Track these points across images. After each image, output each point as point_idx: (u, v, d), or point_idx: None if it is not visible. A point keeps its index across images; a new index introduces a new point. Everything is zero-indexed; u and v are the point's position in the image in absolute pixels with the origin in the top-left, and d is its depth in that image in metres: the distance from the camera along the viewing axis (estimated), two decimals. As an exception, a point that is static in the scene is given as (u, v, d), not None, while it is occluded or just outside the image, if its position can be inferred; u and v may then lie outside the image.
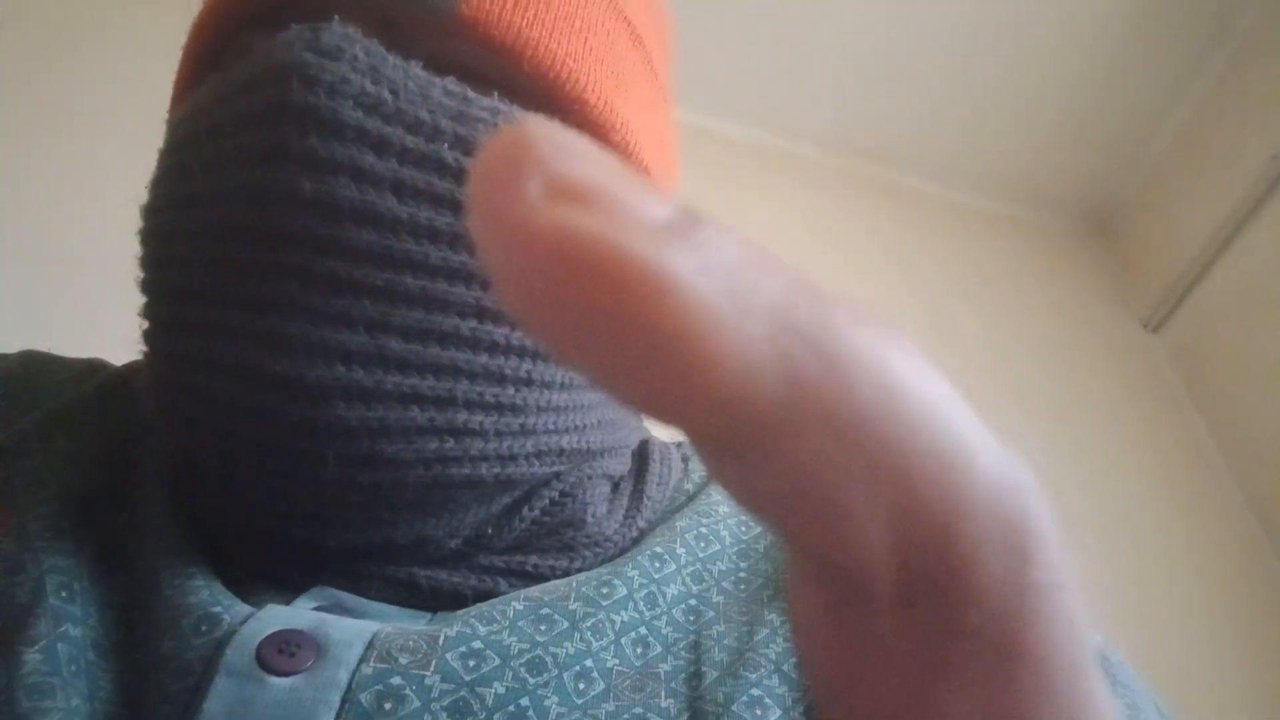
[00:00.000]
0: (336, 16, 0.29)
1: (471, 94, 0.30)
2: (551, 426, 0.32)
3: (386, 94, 0.29)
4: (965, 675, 0.09)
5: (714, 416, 0.09)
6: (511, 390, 0.31)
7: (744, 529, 0.36)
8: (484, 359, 0.30)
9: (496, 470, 0.31)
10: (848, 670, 0.10)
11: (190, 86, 0.37)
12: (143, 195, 0.34)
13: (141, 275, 0.33)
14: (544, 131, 0.09)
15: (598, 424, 0.35)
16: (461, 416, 0.30)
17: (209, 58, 0.36)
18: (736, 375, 0.09)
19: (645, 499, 0.37)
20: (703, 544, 0.35)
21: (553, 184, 0.09)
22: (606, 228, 0.08)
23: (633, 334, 0.09)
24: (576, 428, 0.34)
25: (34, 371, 0.39)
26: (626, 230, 0.08)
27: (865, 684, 0.10)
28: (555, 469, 0.34)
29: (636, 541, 0.36)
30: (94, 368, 0.41)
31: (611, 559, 0.35)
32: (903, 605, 0.09)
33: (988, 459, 0.09)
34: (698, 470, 0.41)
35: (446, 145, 0.29)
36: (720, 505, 0.37)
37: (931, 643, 0.09)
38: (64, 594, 0.28)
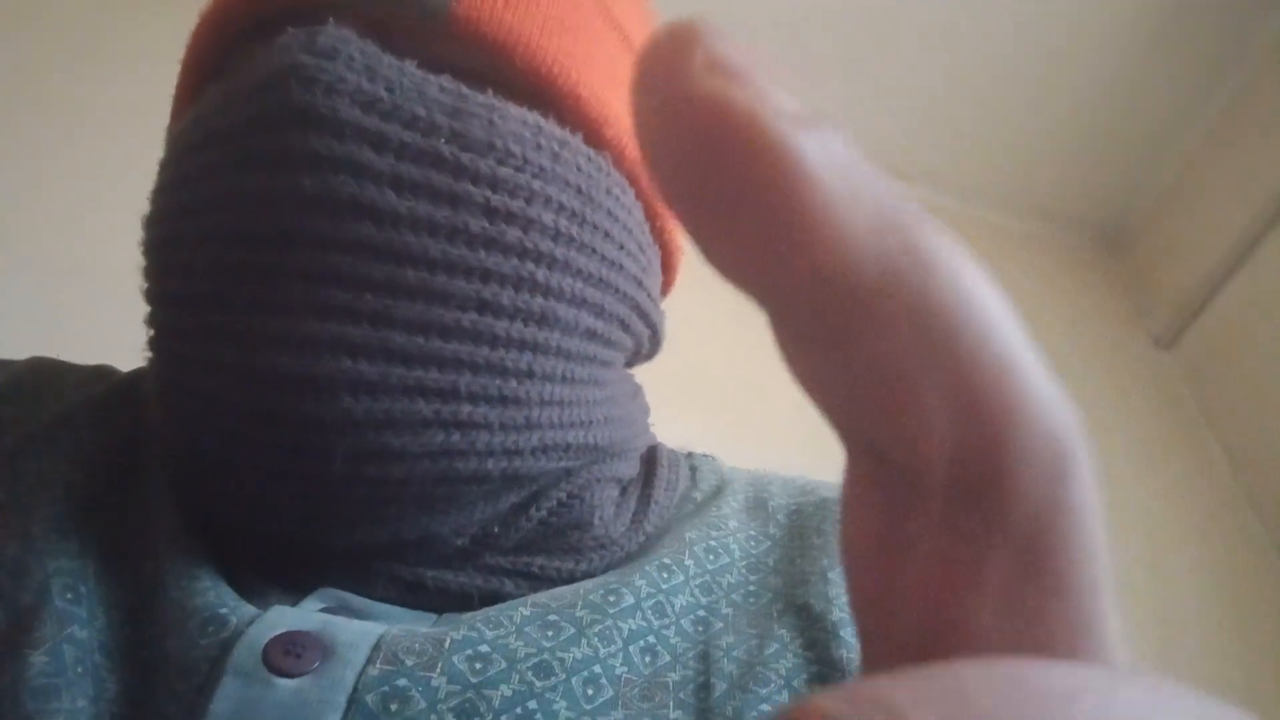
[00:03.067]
0: (331, 20, 0.30)
1: (466, 90, 0.31)
2: (556, 421, 0.33)
3: (383, 91, 0.29)
4: (994, 578, 0.10)
5: (813, 289, 0.10)
6: (514, 383, 0.31)
7: (753, 544, 0.36)
8: (485, 351, 0.30)
9: (503, 465, 0.31)
10: (887, 572, 0.10)
11: (189, 98, 0.38)
12: (146, 202, 0.34)
13: (145, 284, 0.33)
14: (708, 24, 0.10)
15: (604, 421, 0.35)
16: (466, 409, 0.30)
17: (207, 69, 0.37)
18: (841, 253, 0.09)
19: (652, 504, 0.37)
20: (711, 556, 0.35)
21: (712, 60, 0.10)
22: (754, 102, 0.10)
23: (760, 198, 0.10)
24: (582, 423, 0.34)
25: (42, 378, 0.39)
26: (770, 108, 0.10)
27: (902, 586, 0.10)
28: (562, 464, 0.34)
29: (643, 546, 0.36)
30: (101, 374, 0.41)
31: (618, 563, 0.35)
32: (947, 502, 0.10)
33: (1042, 380, 0.10)
34: (705, 480, 0.41)
35: (443, 140, 0.29)
36: (730, 519, 0.37)
37: (967, 542, 0.10)
38: (69, 596, 0.28)
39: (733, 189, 0.10)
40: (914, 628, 0.10)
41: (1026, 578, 0.10)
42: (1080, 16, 1.37)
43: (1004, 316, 0.10)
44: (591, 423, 0.34)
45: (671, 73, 0.10)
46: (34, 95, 1.09)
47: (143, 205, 0.34)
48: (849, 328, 0.10)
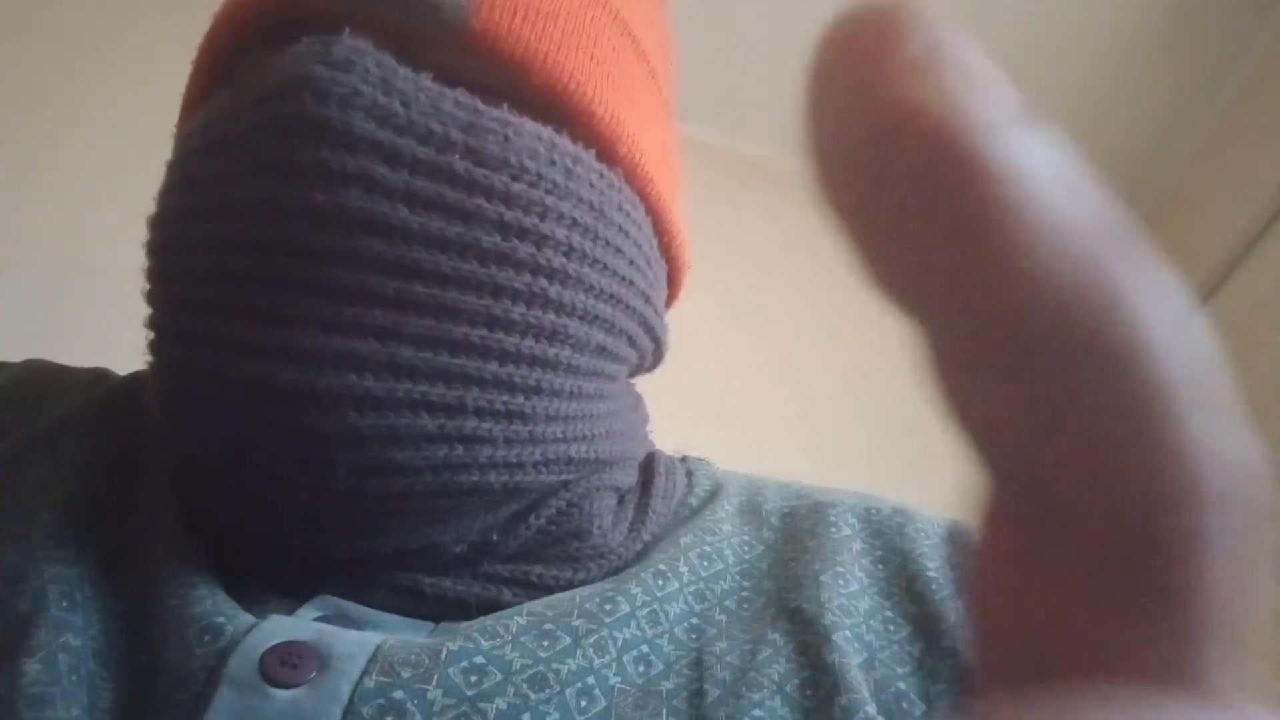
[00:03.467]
0: (347, 30, 0.30)
1: (482, 105, 0.30)
2: (560, 435, 0.32)
3: (398, 105, 0.29)
4: (1121, 622, 0.09)
5: (993, 316, 0.09)
6: (521, 398, 0.31)
7: (747, 549, 0.36)
8: (494, 367, 0.30)
9: (505, 478, 0.31)
10: (1014, 601, 0.10)
11: (200, 100, 0.37)
12: (152, 205, 0.34)
13: (148, 286, 0.33)
14: (911, 6, 0.09)
15: (606, 434, 0.35)
16: (471, 424, 0.30)
17: (219, 72, 0.36)
18: (1032, 282, 0.09)
19: (650, 512, 0.37)
20: (705, 562, 0.35)
21: (920, 61, 0.09)
22: (962, 104, 0.09)
23: (958, 220, 0.09)
24: (585, 437, 0.34)
25: (39, 381, 0.39)
26: (986, 118, 0.09)
27: (1028, 613, 0.10)
28: (563, 478, 0.34)
29: (641, 555, 0.36)
30: (100, 377, 0.41)
31: (615, 571, 0.35)
32: (1107, 558, 0.09)
33: (1232, 449, 0.09)
34: (701, 485, 0.41)
35: (458, 156, 0.29)
36: (724, 524, 0.37)
37: (1100, 580, 0.09)
38: (65, 603, 0.28)
39: (924, 203, 0.09)
40: (1030, 657, 0.10)
41: (1156, 616, 0.09)
42: (1079, 20, 1.37)
43: (1199, 364, 0.09)
44: (594, 436, 0.34)
45: (869, 71, 0.09)
46: (34, 97, 1.09)
47: (144, 207, 0.34)
48: (1028, 364, 0.09)
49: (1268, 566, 0.09)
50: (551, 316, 0.31)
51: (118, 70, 1.13)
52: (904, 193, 0.09)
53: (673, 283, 0.41)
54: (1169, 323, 0.09)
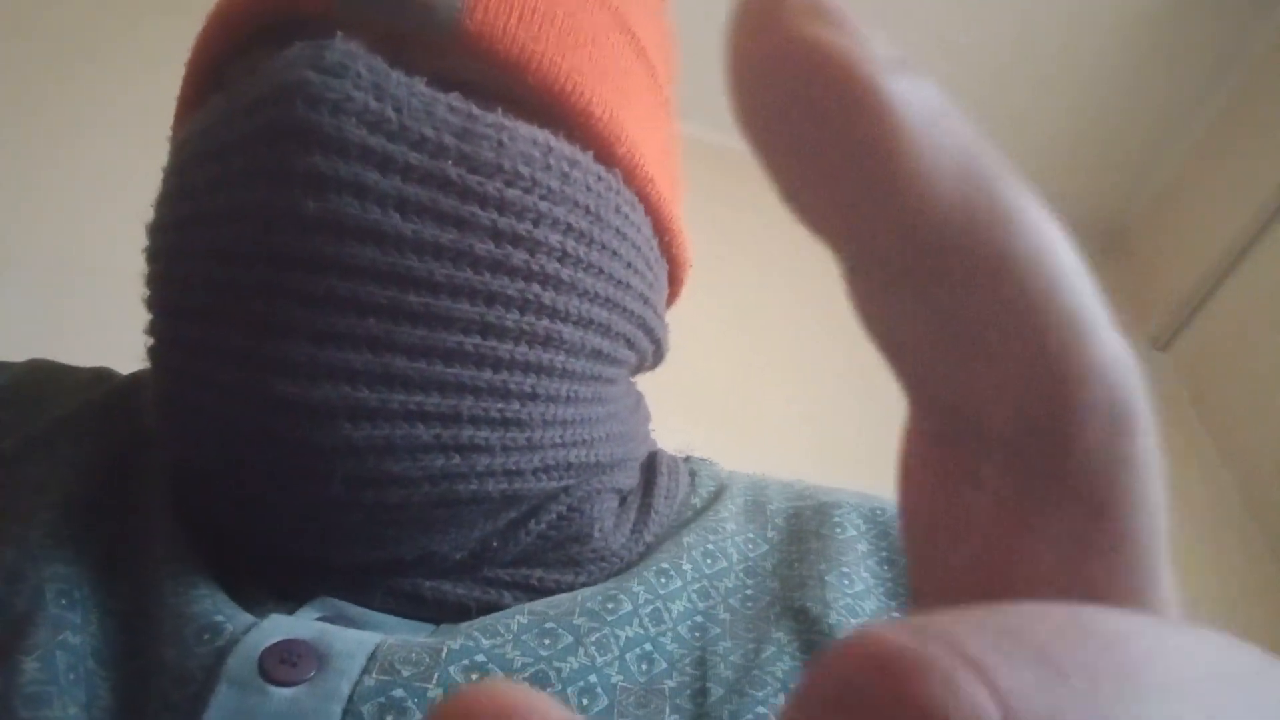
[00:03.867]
0: (340, 33, 0.29)
1: (475, 110, 0.30)
2: (558, 440, 0.32)
3: (390, 111, 0.28)
4: (1055, 526, 0.10)
5: (898, 238, 0.10)
6: (517, 405, 0.30)
7: (750, 546, 0.36)
8: (489, 375, 0.30)
9: (503, 486, 0.31)
10: (946, 525, 0.11)
11: (194, 103, 0.37)
12: (151, 208, 0.34)
13: (147, 292, 0.33)
14: None
15: (605, 438, 0.35)
16: (467, 433, 0.30)
17: (213, 75, 0.36)
18: (927, 201, 0.10)
19: (653, 513, 0.37)
20: (709, 561, 0.35)
21: (811, 5, 0.10)
22: (852, 47, 0.10)
23: (852, 144, 0.10)
24: (584, 441, 0.34)
25: (41, 380, 0.39)
26: (867, 53, 0.10)
27: (962, 537, 0.10)
28: (563, 484, 0.33)
29: (643, 556, 0.35)
30: (100, 377, 0.41)
31: (618, 573, 0.34)
32: (1013, 453, 0.10)
33: (1107, 334, 0.10)
34: (705, 485, 0.41)
35: (450, 162, 0.29)
36: (728, 523, 0.37)
37: (1031, 491, 0.10)
38: (63, 601, 0.28)
39: (826, 135, 0.10)
40: (969, 567, 0.10)
41: (1087, 528, 0.10)
42: (1076, 21, 1.37)
43: (1075, 270, 0.10)
44: (594, 440, 0.34)
45: (770, 18, 0.10)
46: (34, 98, 1.09)
47: (144, 209, 0.34)
48: (929, 278, 0.10)
49: (1163, 477, 0.10)
50: (546, 322, 0.31)
51: (118, 70, 1.13)
52: (806, 123, 0.10)
53: (674, 281, 0.41)
54: (1046, 227, 0.10)
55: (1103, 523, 0.10)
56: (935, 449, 0.11)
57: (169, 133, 0.38)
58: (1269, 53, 1.39)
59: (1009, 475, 0.10)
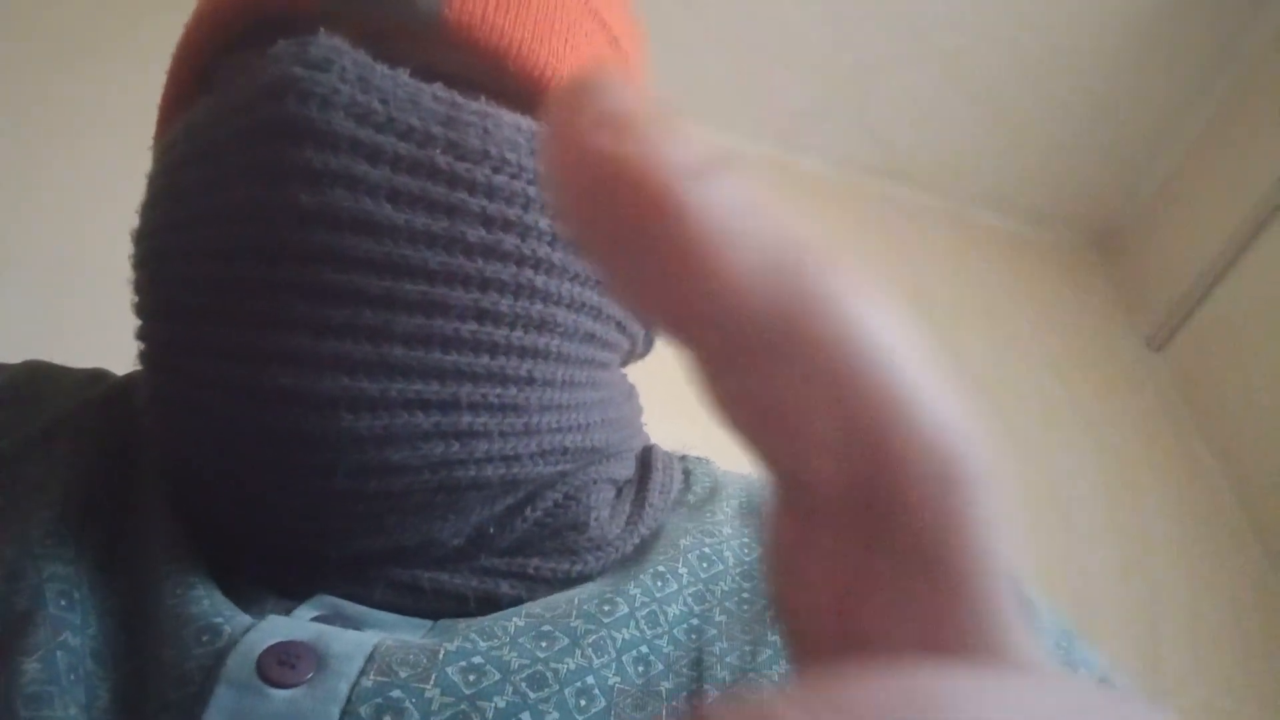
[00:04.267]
0: (322, 30, 0.30)
1: (459, 99, 0.30)
2: (555, 425, 0.33)
3: (377, 103, 0.29)
4: (891, 591, 0.10)
5: (709, 329, 0.10)
6: (514, 390, 0.31)
7: (747, 550, 0.36)
8: (485, 360, 0.30)
9: (502, 471, 0.31)
10: (801, 582, 0.11)
11: (178, 107, 0.37)
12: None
13: (137, 298, 0.33)
14: (605, 76, 0.11)
15: (601, 423, 0.35)
16: (466, 419, 0.30)
17: (197, 79, 0.37)
18: (729, 294, 0.10)
19: (647, 505, 0.37)
20: (705, 564, 0.35)
21: (602, 116, 0.10)
22: (642, 155, 0.10)
23: (652, 246, 0.10)
24: (580, 426, 0.34)
25: (38, 381, 0.39)
26: (657, 159, 0.10)
27: (814, 595, 0.11)
28: (560, 468, 0.34)
29: (638, 548, 0.36)
30: (97, 377, 0.41)
31: (613, 564, 0.35)
32: (843, 517, 0.10)
33: (937, 402, 0.10)
34: (700, 483, 0.41)
35: (438, 150, 0.29)
36: (724, 526, 0.37)
37: (861, 553, 0.10)
38: (63, 602, 0.28)
39: (628, 237, 0.10)
40: (826, 633, 0.11)
41: (920, 585, 0.10)
42: (1070, 20, 1.37)
43: (896, 347, 0.10)
44: (589, 425, 0.35)
45: (566, 128, 0.11)
46: (32, 97, 1.09)
47: (140, 207, 0.34)
48: (745, 363, 0.10)
49: (1012, 524, 0.11)
50: (539, 306, 0.31)
51: (118, 70, 1.13)
52: (614, 231, 0.10)
53: None
54: (858, 305, 0.10)
55: (936, 579, 0.10)
56: (786, 518, 0.11)
57: (152, 140, 0.38)
58: (1264, 51, 1.39)
59: (844, 546, 0.10)
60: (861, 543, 0.10)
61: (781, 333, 0.10)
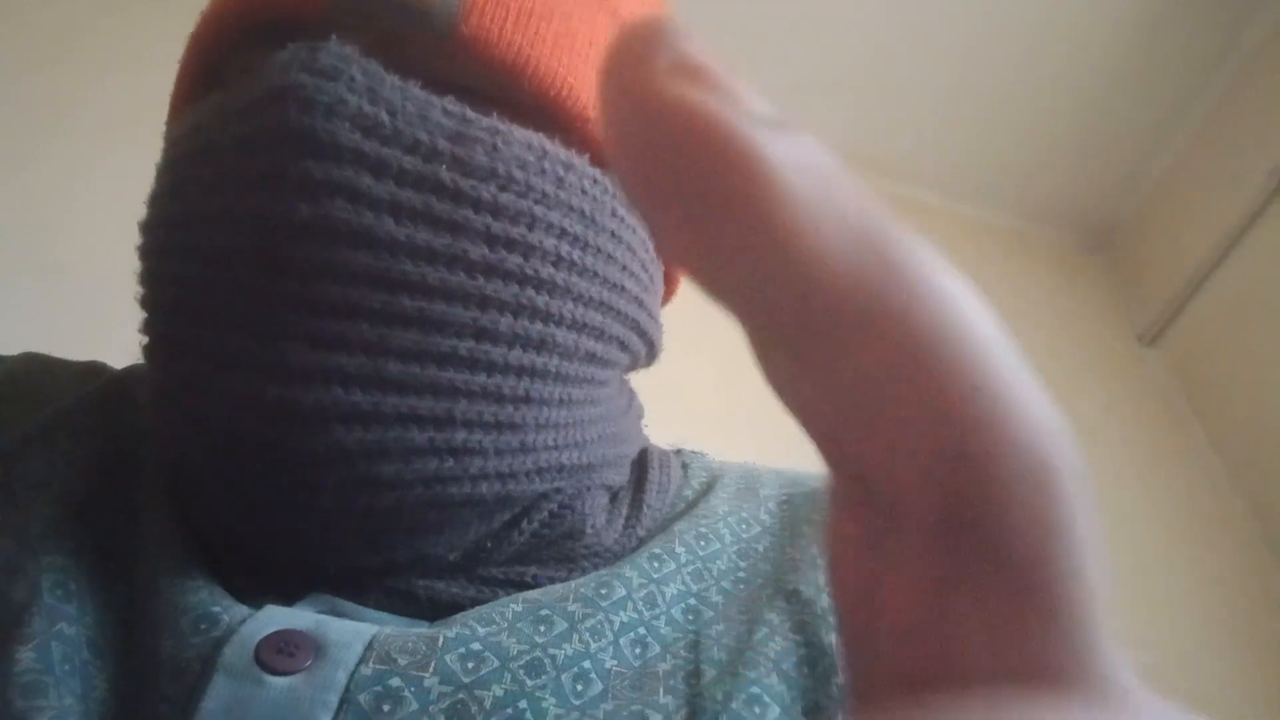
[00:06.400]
0: (334, 36, 0.29)
1: (470, 114, 0.30)
2: (551, 443, 0.32)
3: (384, 115, 0.28)
4: (981, 604, 0.09)
5: (787, 302, 0.09)
6: (510, 409, 0.30)
7: (743, 528, 0.36)
8: (482, 378, 0.30)
9: (496, 488, 0.31)
10: (872, 596, 0.10)
11: (188, 100, 0.37)
12: (143, 202, 0.33)
13: (141, 291, 0.33)
14: (674, 23, 0.10)
15: (598, 439, 0.35)
16: (460, 436, 0.29)
17: (208, 72, 0.36)
18: (814, 266, 0.09)
19: (645, 508, 0.37)
20: (702, 543, 0.35)
21: (679, 62, 0.09)
22: (724, 106, 0.09)
23: (731, 207, 0.09)
24: (576, 444, 0.33)
25: (35, 374, 0.39)
26: (740, 112, 0.09)
27: (888, 611, 0.10)
28: (555, 485, 0.33)
29: (636, 550, 0.36)
30: (94, 370, 0.41)
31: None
32: (930, 526, 0.09)
33: (1028, 397, 0.09)
34: (697, 476, 0.41)
35: (444, 166, 0.29)
36: (720, 505, 0.37)
37: (951, 576, 0.09)
38: (59, 593, 0.28)
39: (703, 196, 0.09)
40: (900, 654, 0.10)
41: (1015, 606, 0.09)
42: (1066, 19, 1.38)
43: (984, 328, 0.09)
44: (586, 442, 0.34)
45: (637, 75, 0.10)
46: (29, 95, 1.09)
47: (138, 205, 0.34)
48: (824, 342, 0.09)
49: (1100, 537, 0.09)
50: (539, 326, 0.30)
51: (109, 63, 1.13)
52: (688, 191, 0.09)
53: (670, 281, 0.41)
54: (948, 285, 0.09)
55: (1031, 599, 0.09)
56: (854, 522, 0.10)
57: (162, 128, 0.38)
58: (1259, 47, 1.39)
59: (927, 557, 0.09)
60: (950, 565, 0.09)
61: (868, 307, 0.09)
